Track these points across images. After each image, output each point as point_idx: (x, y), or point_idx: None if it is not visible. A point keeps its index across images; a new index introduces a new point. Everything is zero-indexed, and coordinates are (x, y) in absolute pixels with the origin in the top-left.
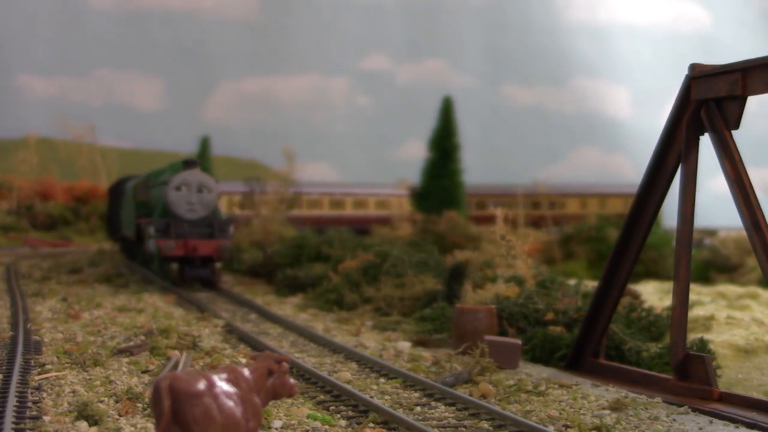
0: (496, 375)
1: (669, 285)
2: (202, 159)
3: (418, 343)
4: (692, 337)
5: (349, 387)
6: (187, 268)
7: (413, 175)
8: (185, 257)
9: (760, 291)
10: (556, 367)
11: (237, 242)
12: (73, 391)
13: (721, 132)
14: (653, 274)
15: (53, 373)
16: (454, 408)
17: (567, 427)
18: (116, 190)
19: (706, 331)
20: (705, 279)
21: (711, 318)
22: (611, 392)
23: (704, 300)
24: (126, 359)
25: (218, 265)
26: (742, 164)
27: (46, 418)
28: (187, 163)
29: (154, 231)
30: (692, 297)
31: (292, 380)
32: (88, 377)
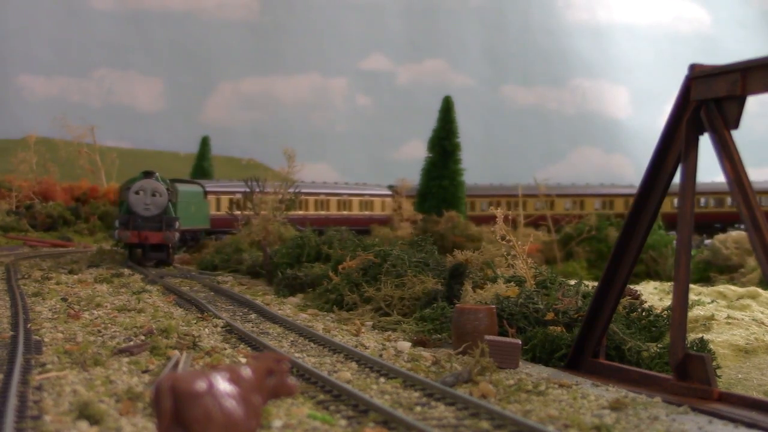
0: (496, 375)
1: (669, 285)
2: (202, 159)
3: (418, 343)
4: (692, 337)
5: (349, 387)
6: (146, 252)
7: (413, 175)
8: (139, 244)
9: (760, 291)
10: (556, 367)
11: (237, 242)
12: (74, 391)
13: (721, 132)
14: (653, 274)
15: (54, 373)
16: (454, 408)
17: (567, 426)
18: None
19: (706, 331)
20: (705, 279)
21: (711, 318)
22: (611, 392)
23: (704, 300)
24: (126, 359)
25: (172, 251)
26: (742, 164)
27: (47, 418)
28: (146, 174)
29: (118, 224)
30: (692, 297)
31: (292, 380)
32: (88, 377)
